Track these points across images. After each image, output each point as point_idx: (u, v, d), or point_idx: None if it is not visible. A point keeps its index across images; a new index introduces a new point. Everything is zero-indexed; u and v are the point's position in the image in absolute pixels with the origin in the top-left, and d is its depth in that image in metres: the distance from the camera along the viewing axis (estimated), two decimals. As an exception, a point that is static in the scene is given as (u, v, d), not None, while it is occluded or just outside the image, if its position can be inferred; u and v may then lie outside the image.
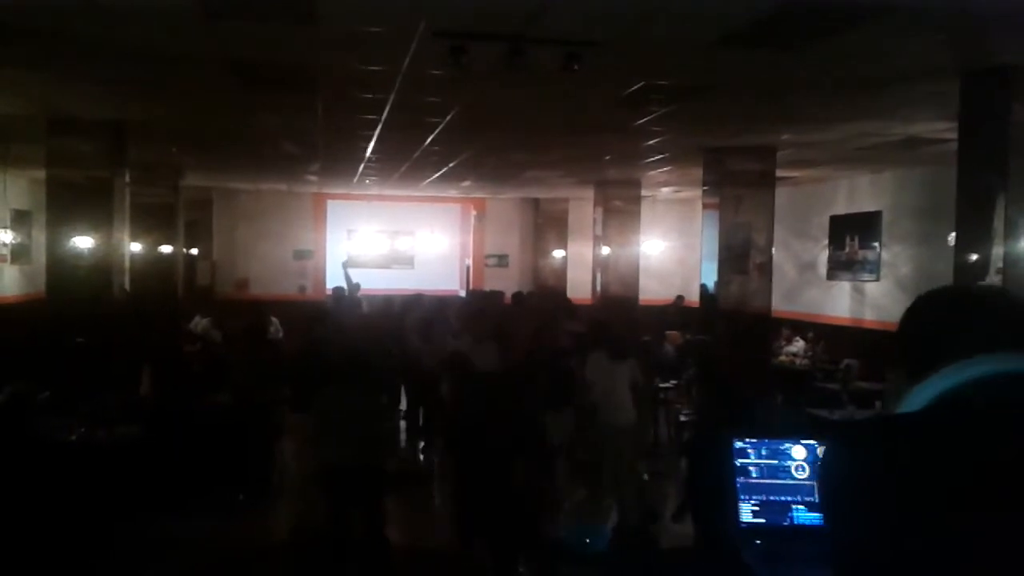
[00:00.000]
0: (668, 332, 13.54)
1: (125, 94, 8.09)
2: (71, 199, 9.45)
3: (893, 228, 12.61)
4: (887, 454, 1.28)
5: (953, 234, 7.09)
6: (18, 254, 14.68)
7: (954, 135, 7.18)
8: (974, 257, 6.60)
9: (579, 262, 17.97)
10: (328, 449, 6.13)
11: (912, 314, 1.50)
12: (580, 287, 16.94)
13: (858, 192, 13.51)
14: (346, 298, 13.52)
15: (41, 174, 10.11)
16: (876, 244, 12.93)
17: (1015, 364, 1.33)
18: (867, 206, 13.22)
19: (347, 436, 6.03)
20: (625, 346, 7.92)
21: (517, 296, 13.31)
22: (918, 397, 1.36)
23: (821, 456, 1.38)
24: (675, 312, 15.94)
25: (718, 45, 5.86)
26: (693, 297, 14.03)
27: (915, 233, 11.98)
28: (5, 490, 6.37)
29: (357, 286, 14.19)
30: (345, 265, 14.67)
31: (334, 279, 17.87)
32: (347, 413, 6.10)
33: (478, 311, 9.38)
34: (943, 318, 1.45)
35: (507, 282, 17.90)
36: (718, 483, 2.39)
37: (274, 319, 13.74)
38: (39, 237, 13.07)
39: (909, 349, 1.45)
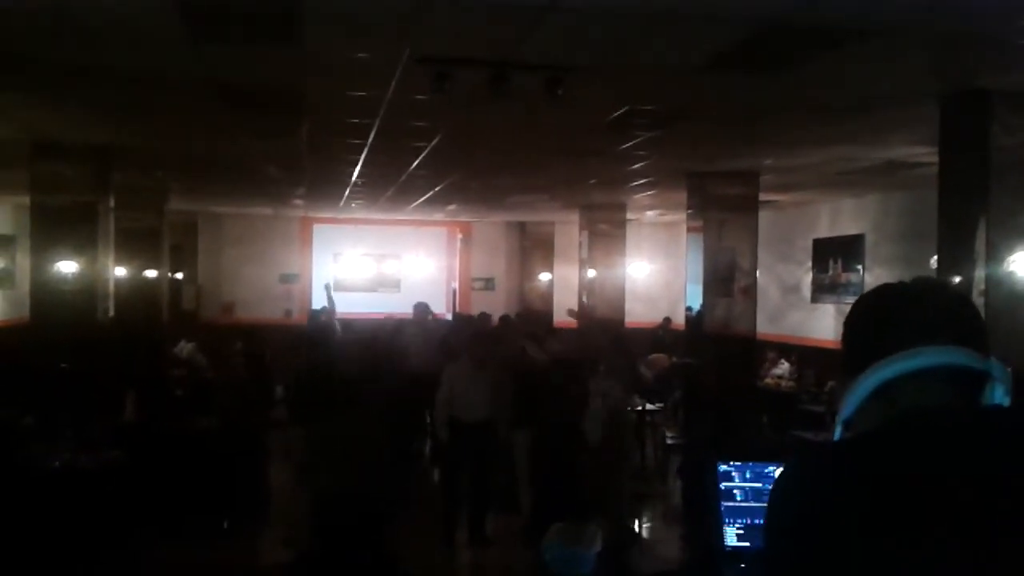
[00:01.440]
0: (653, 355, 13.57)
1: (110, 118, 8.09)
2: (55, 223, 9.42)
3: (876, 251, 12.70)
4: (808, 480, 1.30)
5: (935, 257, 7.14)
6: (1, 279, 14.61)
7: (935, 159, 7.25)
8: (956, 279, 6.64)
9: (565, 285, 18.00)
10: (322, 476, 6.10)
11: (849, 314, 1.51)
12: (566, 310, 16.95)
13: (841, 215, 13.60)
14: (321, 322, 13.43)
15: (25, 199, 10.07)
16: (859, 267, 13.01)
17: (935, 358, 1.34)
18: (850, 229, 13.31)
19: (342, 463, 5.99)
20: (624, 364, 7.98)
21: (504, 319, 13.32)
22: (851, 400, 1.37)
23: None
24: (662, 335, 15.98)
25: (701, 70, 5.91)
26: (679, 320, 14.07)
27: (898, 256, 12.06)
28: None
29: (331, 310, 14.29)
30: (327, 288, 14.67)
31: (320, 303, 17.84)
32: (342, 440, 6.06)
33: (475, 334, 9.37)
34: (872, 314, 1.46)
35: (494, 305, 17.88)
36: (703, 505, 2.40)
37: (239, 344, 13.68)
38: (23, 262, 13.00)
39: (846, 349, 1.47)
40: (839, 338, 1.51)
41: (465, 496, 8.18)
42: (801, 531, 1.25)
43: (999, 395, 1.33)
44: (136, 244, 13.22)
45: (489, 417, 7.93)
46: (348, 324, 14.19)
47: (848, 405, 1.38)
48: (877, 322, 1.43)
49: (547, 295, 18.91)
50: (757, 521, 2.36)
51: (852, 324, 1.49)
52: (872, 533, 1.20)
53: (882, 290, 1.50)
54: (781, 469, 1.35)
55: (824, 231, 13.97)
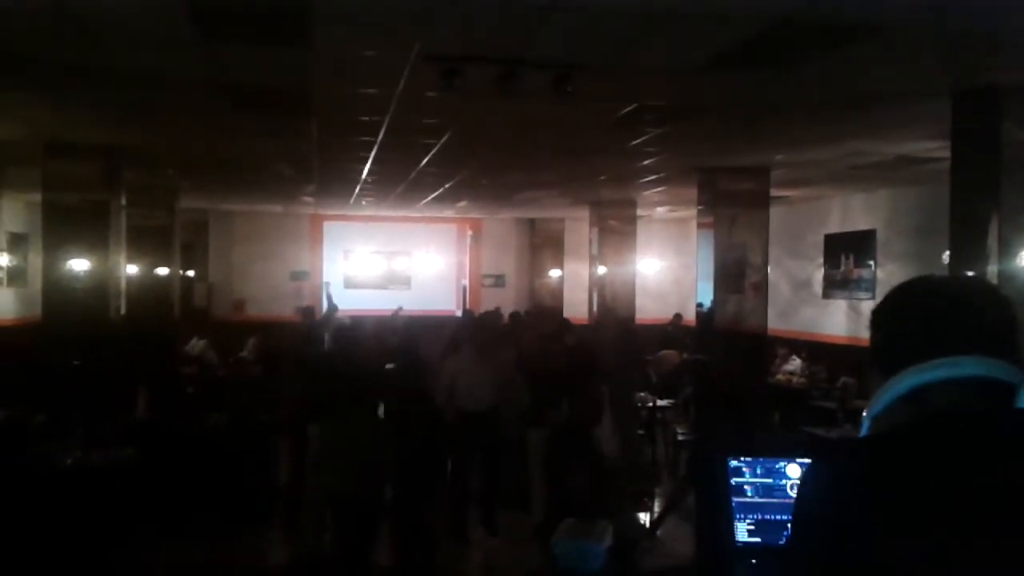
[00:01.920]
0: (664, 352, 13.55)
1: (121, 118, 8.12)
2: (67, 222, 9.47)
3: (888, 246, 12.65)
4: (840, 479, 1.30)
5: (947, 252, 7.11)
6: (14, 277, 14.68)
7: (947, 154, 7.22)
8: (968, 275, 6.62)
9: (575, 282, 17.99)
10: (330, 477, 6.09)
11: (881, 309, 1.49)
12: (577, 307, 16.95)
13: (852, 211, 13.56)
14: (313, 318, 13.40)
15: (37, 197, 10.12)
16: (871, 262, 12.96)
17: (969, 369, 1.34)
18: (861, 224, 13.26)
19: (349, 464, 5.98)
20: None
21: (515, 316, 13.33)
22: (882, 398, 1.37)
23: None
24: (673, 331, 15.95)
25: (710, 66, 5.90)
26: (689, 316, 14.05)
27: (910, 251, 12.01)
28: (1, 514, 6.34)
29: (334, 307, 14.32)
30: (326, 287, 14.75)
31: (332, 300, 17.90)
32: (350, 441, 6.05)
33: (478, 327, 9.40)
34: (908, 314, 1.44)
35: (504, 302, 17.89)
36: (714, 502, 2.39)
37: (251, 341, 13.75)
38: (35, 260, 13.06)
39: (879, 345, 1.45)
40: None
41: (475, 490, 8.21)
42: (828, 528, 1.25)
43: None
44: (147, 242, 13.28)
45: (493, 407, 7.96)
46: (359, 321, 14.19)
47: (878, 403, 1.38)
48: (912, 323, 1.42)
49: (557, 292, 18.92)
50: (768, 517, 2.36)
51: (886, 321, 1.47)
52: (899, 532, 1.20)
53: (915, 287, 1.48)
54: (807, 466, 1.35)
55: (835, 227, 13.92)
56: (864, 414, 1.41)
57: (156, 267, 13.46)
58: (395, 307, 17.97)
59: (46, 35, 5.46)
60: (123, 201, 10.51)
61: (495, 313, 13.49)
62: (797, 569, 1.32)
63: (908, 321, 1.43)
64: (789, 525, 1.34)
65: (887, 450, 1.31)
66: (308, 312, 13.54)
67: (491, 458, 8.17)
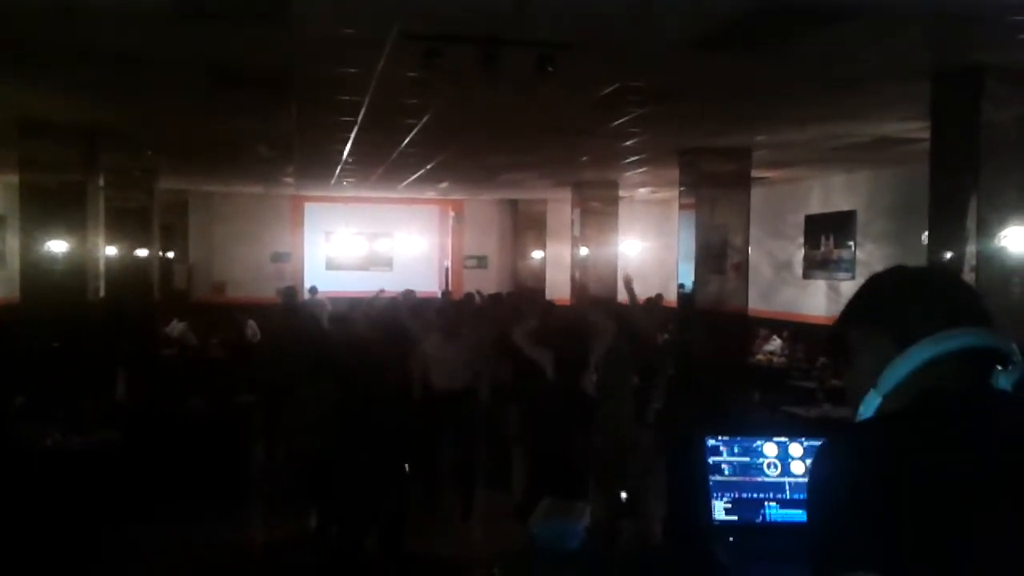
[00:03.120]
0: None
1: (98, 98, 8.04)
2: (45, 203, 9.38)
3: (867, 227, 12.71)
4: (868, 455, 1.29)
5: (927, 233, 7.16)
6: (-9, 259, 14.55)
7: (927, 135, 7.25)
8: (948, 255, 6.66)
9: (558, 263, 18.00)
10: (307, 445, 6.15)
11: (884, 279, 1.50)
12: (559, 287, 16.97)
13: (833, 192, 13.61)
14: (294, 299, 13.33)
15: (14, 179, 10.02)
16: (851, 243, 13.02)
17: (979, 339, 1.36)
18: (842, 205, 13.32)
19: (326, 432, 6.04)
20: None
21: (495, 297, 13.32)
22: (892, 375, 1.37)
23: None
24: (655, 312, 15.97)
25: (692, 47, 5.89)
26: (671, 297, 14.08)
27: (889, 232, 12.08)
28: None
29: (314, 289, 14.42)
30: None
31: (312, 282, 17.81)
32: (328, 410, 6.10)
33: (441, 308, 9.44)
34: (917, 285, 1.46)
35: (486, 283, 17.89)
36: (691, 480, 2.41)
37: (251, 322, 13.68)
38: (13, 242, 12.95)
39: (889, 312, 1.44)
40: (831, 314, 1.53)
41: (450, 469, 8.26)
42: (849, 508, 1.24)
43: (1006, 379, 1.34)
44: (126, 223, 13.13)
45: (464, 386, 8.01)
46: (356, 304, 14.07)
47: (891, 377, 1.37)
48: (920, 293, 1.43)
49: (540, 273, 18.93)
50: (745, 495, 2.37)
51: (888, 290, 1.47)
52: (926, 509, 1.21)
53: (907, 268, 1.51)
54: (819, 449, 1.34)
55: (816, 207, 13.98)
56: (873, 392, 1.39)
57: (135, 249, 13.33)
58: (376, 288, 17.92)
59: (24, 14, 5.39)
60: (101, 182, 10.41)
61: (468, 296, 13.51)
62: (824, 547, 1.31)
63: (908, 298, 1.43)
64: (809, 502, 1.32)
65: (906, 429, 1.31)
66: (289, 292, 13.43)
67: (465, 437, 8.22)
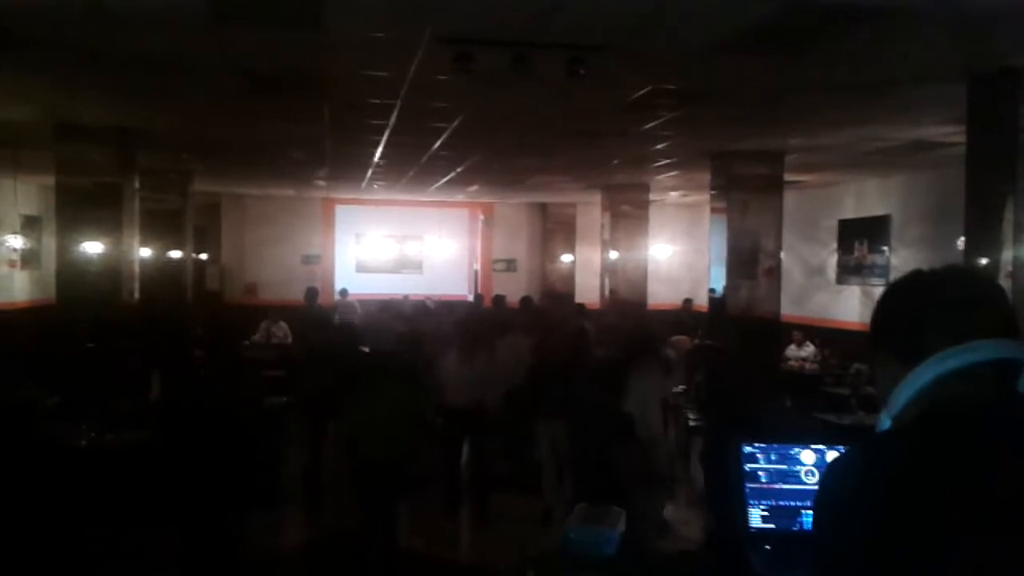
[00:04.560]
0: (676, 337, 13.50)
1: (134, 100, 8.12)
2: (81, 205, 9.49)
3: (902, 232, 12.58)
4: (875, 469, 1.30)
5: (962, 238, 7.06)
6: (28, 259, 14.74)
7: (962, 138, 7.16)
8: (983, 261, 6.57)
9: (587, 266, 17.98)
10: (361, 448, 6.24)
11: (886, 301, 1.50)
12: (588, 291, 16.94)
13: (866, 196, 13.48)
14: (315, 300, 13.38)
15: (51, 180, 10.15)
16: (885, 248, 12.89)
17: (987, 353, 1.34)
18: (876, 210, 13.19)
19: (378, 436, 6.13)
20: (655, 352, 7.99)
21: (525, 301, 13.31)
22: (904, 393, 1.37)
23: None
24: (684, 317, 15.91)
25: (724, 49, 5.85)
26: (701, 301, 14.02)
27: (924, 237, 11.94)
28: (16, 495, 6.38)
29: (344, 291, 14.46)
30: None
31: (342, 284, 17.91)
32: (378, 414, 6.19)
33: (460, 322, 9.40)
34: (923, 301, 1.44)
35: (515, 286, 17.90)
36: (727, 487, 2.39)
37: (283, 323, 13.76)
38: (49, 242, 13.12)
39: (893, 334, 1.45)
40: (864, 320, 1.53)
41: (467, 479, 8.33)
42: (857, 519, 1.25)
43: None
44: (161, 225, 13.32)
45: (477, 403, 8.03)
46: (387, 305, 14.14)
47: (900, 398, 1.37)
48: (923, 313, 1.42)
49: (569, 277, 18.90)
50: (782, 503, 2.35)
51: (894, 312, 1.48)
52: (931, 525, 1.20)
53: (919, 277, 1.48)
54: (834, 458, 1.36)
55: (850, 212, 13.85)
56: (885, 410, 1.40)
57: (169, 250, 13.51)
58: (408, 292, 18.00)
59: (62, 17, 5.45)
60: (136, 184, 10.53)
61: (497, 302, 13.54)
62: (825, 561, 1.31)
63: (920, 309, 1.42)
64: (814, 513, 1.33)
65: (917, 442, 1.30)
66: (311, 294, 13.46)
67: (477, 450, 8.29)
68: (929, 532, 1.20)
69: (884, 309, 1.50)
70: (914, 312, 1.43)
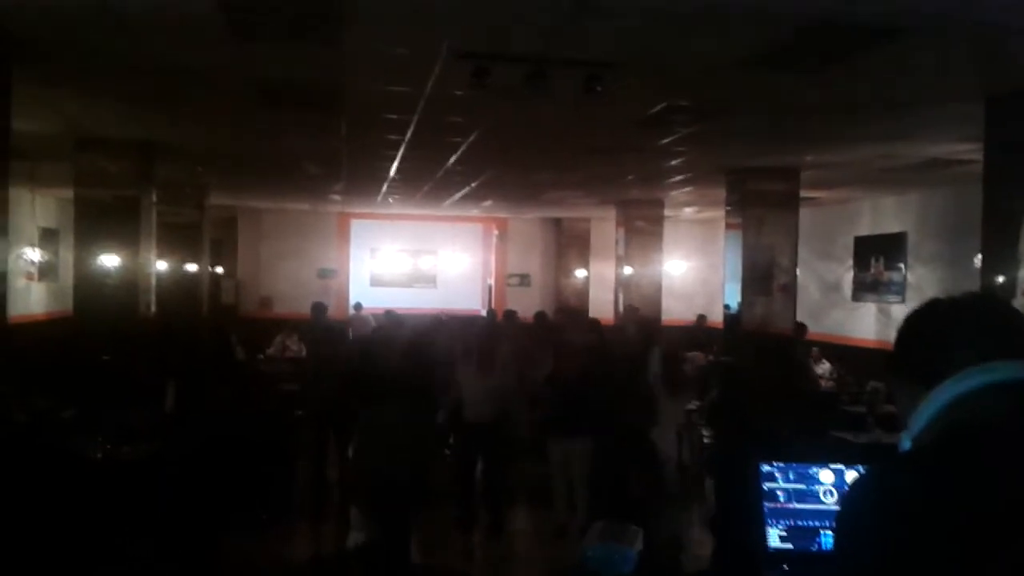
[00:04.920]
0: (690, 354, 13.46)
1: (152, 114, 8.18)
2: (99, 218, 9.55)
3: (919, 249, 12.52)
4: (894, 490, 1.30)
5: (979, 256, 7.03)
6: (45, 272, 14.83)
7: (979, 156, 7.14)
8: (1000, 279, 6.54)
9: (601, 282, 17.96)
10: (369, 460, 6.23)
11: (907, 327, 1.52)
12: (602, 307, 16.91)
13: (883, 213, 13.43)
14: (323, 314, 13.36)
15: (69, 193, 10.22)
16: (901, 265, 12.83)
17: (1009, 373, 1.34)
18: (892, 227, 13.14)
19: (392, 451, 6.12)
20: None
21: (539, 316, 13.29)
22: (923, 414, 1.38)
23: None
24: (698, 333, 15.87)
25: (740, 66, 5.86)
26: (715, 318, 13.98)
27: (941, 254, 11.88)
28: (33, 506, 6.41)
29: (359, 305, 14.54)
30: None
31: (357, 298, 17.94)
32: (392, 429, 6.18)
33: (478, 337, 9.41)
34: (945, 326, 1.46)
35: (529, 301, 17.89)
36: (744, 507, 2.38)
37: (297, 337, 13.80)
38: (66, 255, 13.20)
39: (915, 359, 1.47)
40: (880, 337, 1.55)
41: (482, 493, 8.31)
42: (878, 539, 1.26)
43: None
44: (177, 238, 13.38)
45: (495, 419, 8.01)
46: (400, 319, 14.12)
47: (919, 420, 1.39)
48: (943, 336, 1.44)
49: (583, 292, 18.88)
50: (800, 523, 2.33)
51: (914, 337, 1.50)
52: (949, 545, 1.20)
53: (939, 303, 1.51)
54: (855, 478, 1.37)
55: (866, 228, 13.80)
56: (905, 432, 1.41)
57: (185, 263, 13.57)
58: (422, 306, 18.03)
59: (81, 30, 5.51)
60: (154, 197, 10.59)
61: (508, 316, 13.53)
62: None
63: (939, 333, 1.45)
64: (835, 532, 1.34)
65: (938, 462, 1.31)
66: (318, 308, 13.45)
67: (494, 466, 8.26)
68: (948, 553, 1.19)
69: (904, 335, 1.52)
70: (934, 337, 1.45)
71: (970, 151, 8.33)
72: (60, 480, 6.82)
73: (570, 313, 16.40)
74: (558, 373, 8.14)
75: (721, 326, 12.18)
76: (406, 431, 6.24)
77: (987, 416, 1.33)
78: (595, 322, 12.04)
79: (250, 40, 5.64)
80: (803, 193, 11.07)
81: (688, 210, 16.24)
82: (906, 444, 1.41)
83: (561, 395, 7.87)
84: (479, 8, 4.88)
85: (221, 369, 10.37)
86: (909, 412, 1.42)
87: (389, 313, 14.41)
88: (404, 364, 7.70)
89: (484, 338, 8.99)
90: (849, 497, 1.38)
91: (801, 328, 11.95)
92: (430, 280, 20.52)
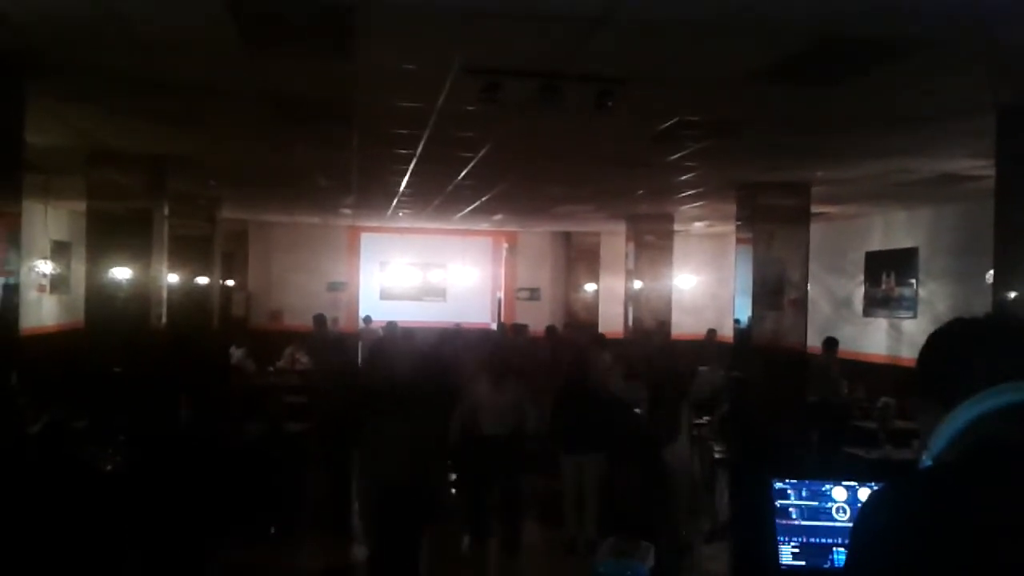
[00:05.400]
0: (701, 368, 13.42)
1: (165, 127, 8.22)
2: (110, 230, 9.58)
3: (930, 264, 12.48)
4: (911, 507, 1.30)
5: (991, 271, 7.00)
6: (57, 284, 14.89)
7: (991, 171, 7.11)
8: (1013, 294, 6.50)
9: (611, 296, 17.94)
10: (379, 472, 6.24)
11: (935, 345, 1.53)
12: (612, 321, 16.89)
13: (894, 228, 13.39)
14: (325, 327, 13.41)
15: (81, 206, 10.26)
16: (913, 281, 12.78)
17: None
18: (903, 242, 13.10)
19: (396, 462, 6.12)
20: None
21: (549, 330, 13.30)
22: (944, 434, 1.38)
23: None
24: (708, 347, 15.83)
25: (752, 81, 5.86)
26: (726, 332, 13.94)
27: (953, 270, 11.84)
28: (44, 517, 6.41)
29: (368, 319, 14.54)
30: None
31: (366, 311, 17.97)
32: (397, 440, 6.18)
33: (491, 351, 9.42)
34: (967, 347, 1.47)
35: (539, 315, 17.88)
36: (757, 523, 2.36)
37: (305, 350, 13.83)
38: (78, 268, 13.25)
39: (936, 379, 1.47)
40: (892, 353, 1.56)
41: (494, 507, 8.28)
42: (892, 556, 1.25)
43: None
44: (189, 251, 13.41)
45: (510, 431, 7.99)
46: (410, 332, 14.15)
47: (940, 439, 1.39)
48: (964, 355, 1.45)
49: (592, 306, 18.86)
50: (813, 540, 2.32)
51: (935, 355, 1.52)
52: (963, 564, 1.18)
53: (959, 323, 1.53)
54: (868, 497, 1.36)
55: (877, 244, 13.76)
56: (926, 452, 1.40)
57: (197, 276, 13.60)
58: (431, 319, 18.03)
59: (93, 44, 5.54)
60: (165, 210, 10.63)
61: (518, 328, 13.55)
62: None
63: (961, 354, 1.46)
64: (848, 547, 1.34)
65: (956, 480, 1.30)
66: (319, 320, 13.48)
67: (508, 479, 8.23)
68: (962, 571, 1.18)
69: (926, 354, 1.53)
70: (954, 356, 1.46)
71: (982, 166, 8.31)
72: (72, 490, 6.83)
73: (576, 328, 16.39)
74: (563, 387, 8.14)
75: (731, 341, 12.14)
76: (414, 442, 6.24)
77: (1009, 436, 1.32)
78: (599, 337, 12.04)
79: (262, 55, 5.67)
80: (814, 208, 11.05)
81: (698, 224, 16.22)
82: (926, 463, 1.41)
83: (573, 409, 7.87)
84: (491, 24, 4.89)
85: (218, 381, 10.42)
86: (930, 433, 1.42)
87: (391, 324, 14.45)
88: (413, 374, 7.72)
89: (498, 351, 9.01)
90: (863, 512, 1.37)
91: (831, 342, 11.88)
92: (440, 293, 20.53)
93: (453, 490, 10.30)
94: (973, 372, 1.39)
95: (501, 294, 20.29)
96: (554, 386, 8.72)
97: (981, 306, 7.98)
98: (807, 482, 2.36)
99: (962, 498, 1.26)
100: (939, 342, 1.52)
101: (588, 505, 7.79)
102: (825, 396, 11.14)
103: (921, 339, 1.57)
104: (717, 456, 10.06)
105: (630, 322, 15.31)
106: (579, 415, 7.84)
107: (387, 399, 6.50)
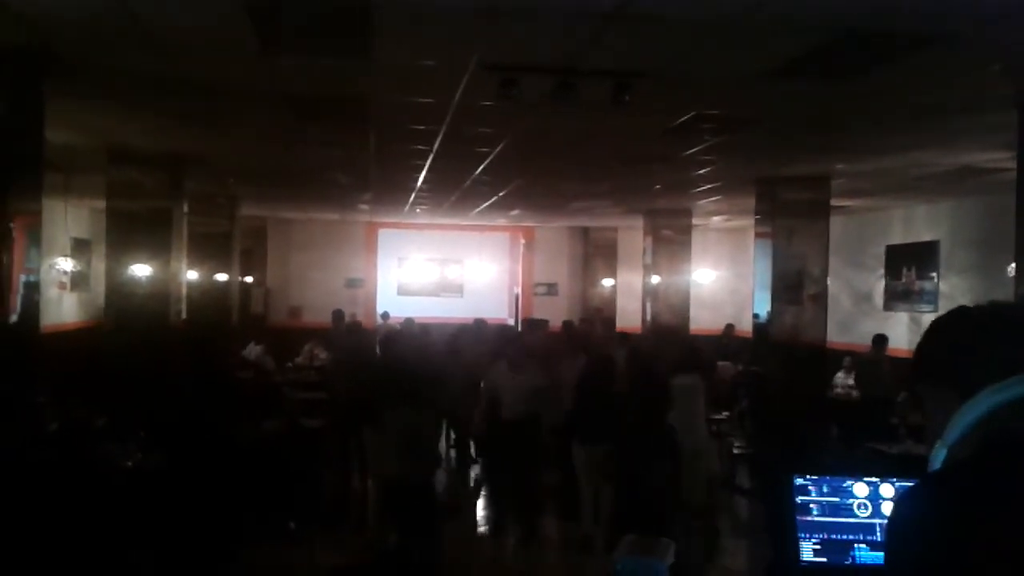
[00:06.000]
0: (719, 363, 13.38)
1: (184, 126, 8.27)
2: (130, 228, 9.64)
3: (951, 258, 12.38)
4: (948, 504, 1.28)
5: (1013, 264, 6.94)
6: (77, 282, 15.00)
7: (1013, 164, 7.05)
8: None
9: (628, 291, 17.90)
10: (391, 465, 6.26)
11: (936, 333, 1.51)
12: (630, 316, 16.86)
13: (915, 221, 13.30)
14: (342, 323, 13.46)
15: (101, 204, 10.33)
16: (934, 274, 12.69)
17: None
18: (924, 236, 13.00)
19: (408, 453, 6.15)
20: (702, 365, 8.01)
21: (566, 324, 13.28)
22: (959, 424, 1.36)
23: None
24: (727, 342, 15.77)
25: (770, 75, 5.82)
26: (744, 327, 13.89)
27: (974, 263, 11.74)
28: (63, 514, 6.46)
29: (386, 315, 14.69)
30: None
31: (384, 307, 18.01)
32: (409, 432, 6.20)
33: (512, 339, 9.51)
34: (980, 333, 1.44)
35: (556, 310, 17.87)
36: (777, 520, 2.35)
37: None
38: (98, 265, 13.34)
39: (949, 366, 1.45)
40: (913, 347, 1.55)
41: (512, 496, 8.31)
42: (933, 554, 1.25)
43: None
44: (208, 249, 13.50)
45: (527, 416, 8.04)
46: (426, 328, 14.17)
47: (954, 429, 1.36)
48: (978, 343, 1.42)
49: (610, 301, 18.83)
50: (834, 536, 2.30)
51: (946, 342, 1.49)
52: (1003, 559, 1.18)
53: (971, 310, 1.49)
54: (899, 496, 1.35)
55: (897, 237, 13.66)
56: (940, 442, 1.39)
57: (216, 273, 13.67)
58: (449, 315, 18.05)
59: (113, 44, 5.57)
60: (185, 208, 10.69)
61: (538, 322, 13.53)
62: None
63: (975, 341, 1.43)
64: (887, 546, 1.33)
65: (984, 478, 1.29)
66: (337, 315, 13.53)
67: (525, 463, 8.25)
68: (1002, 568, 1.18)
69: (937, 342, 1.51)
70: (968, 343, 1.44)
71: (1003, 159, 8.23)
72: (90, 487, 6.88)
73: (591, 320, 16.36)
74: (583, 382, 8.13)
75: (750, 335, 12.10)
76: (427, 433, 6.27)
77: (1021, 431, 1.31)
78: (623, 335, 12.00)
79: (280, 54, 5.68)
80: (834, 202, 10.98)
81: (716, 219, 16.16)
82: (941, 453, 1.39)
83: (588, 401, 7.86)
84: (508, 20, 4.89)
85: (234, 378, 10.47)
86: (941, 421, 1.40)
87: (408, 321, 14.51)
88: (427, 366, 7.75)
89: (517, 343, 9.08)
90: (895, 515, 1.36)
91: (881, 339, 11.74)
92: (457, 289, 20.55)
93: (473, 479, 10.34)
94: (987, 359, 1.37)
95: (519, 290, 20.29)
96: (569, 378, 8.70)
97: (1003, 299, 7.91)
98: (828, 478, 2.34)
99: (988, 496, 1.25)
100: (949, 327, 1.49)
101: (604, 501, 7.77)
102: (872, 393, 11.05)
103: (944, 333, 1.54)
104: (736, 452, 10.03)
105: (648, 317, 15.27)
106: (597, 409, 7.83)
107: (398, 389, 6.52)
